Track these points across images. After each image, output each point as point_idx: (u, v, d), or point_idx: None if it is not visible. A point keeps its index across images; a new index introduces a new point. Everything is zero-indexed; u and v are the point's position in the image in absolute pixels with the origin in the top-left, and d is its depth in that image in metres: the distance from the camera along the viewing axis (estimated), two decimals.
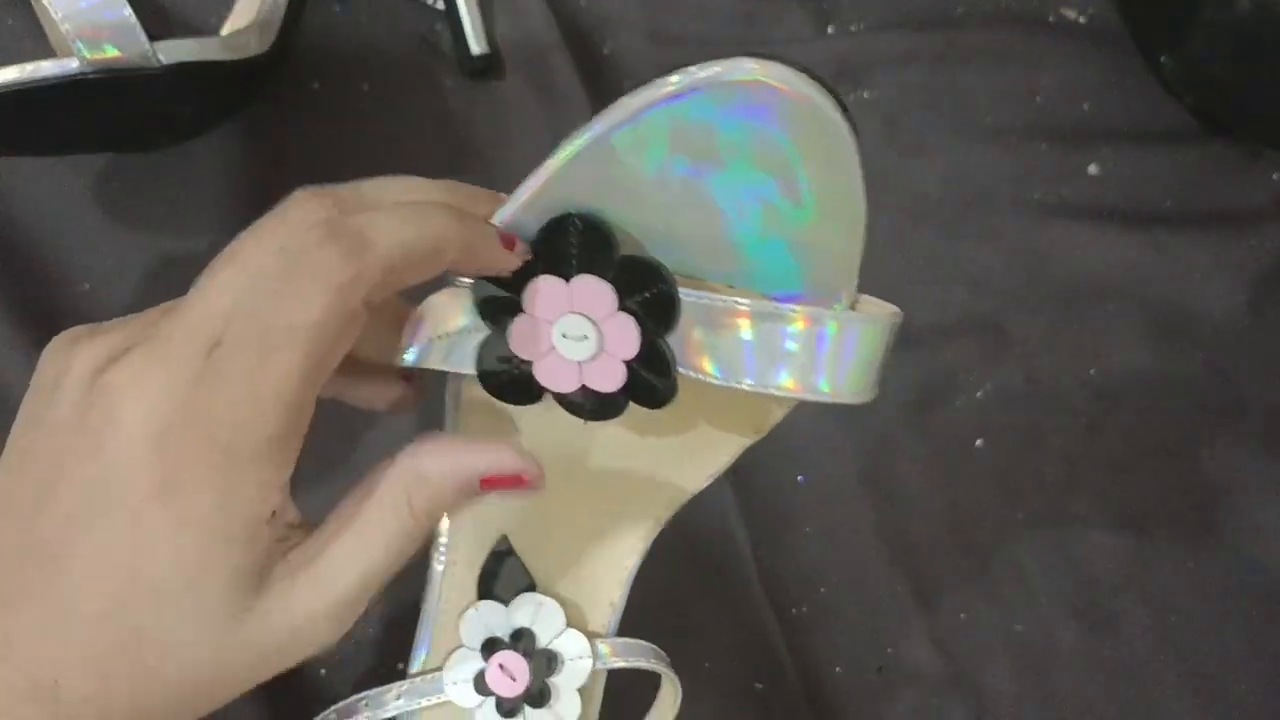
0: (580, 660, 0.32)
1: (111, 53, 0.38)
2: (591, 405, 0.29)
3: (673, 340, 0.28)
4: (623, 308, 0.28)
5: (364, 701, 0.33)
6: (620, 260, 0.28)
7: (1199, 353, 0.47)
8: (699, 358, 0.28)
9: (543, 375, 0.29)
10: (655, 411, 0.30)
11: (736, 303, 0.28)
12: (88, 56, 0.37)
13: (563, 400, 0.29)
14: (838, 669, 0.43)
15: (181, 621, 0.24)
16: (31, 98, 0.38)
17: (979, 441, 0.45)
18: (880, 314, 0.29)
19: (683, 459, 0.33)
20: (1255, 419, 0.46)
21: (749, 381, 0.28)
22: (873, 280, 0.46)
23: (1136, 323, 0.47)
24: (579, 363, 0.28)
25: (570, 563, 0.34)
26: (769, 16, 0.49)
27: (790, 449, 0.45)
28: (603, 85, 0.47)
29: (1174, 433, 0.46)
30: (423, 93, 0.47)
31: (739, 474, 0.44)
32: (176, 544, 0.23)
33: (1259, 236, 0.49)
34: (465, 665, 0.33)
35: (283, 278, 0.23)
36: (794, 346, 0.28)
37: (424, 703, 0.33)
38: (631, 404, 0.29)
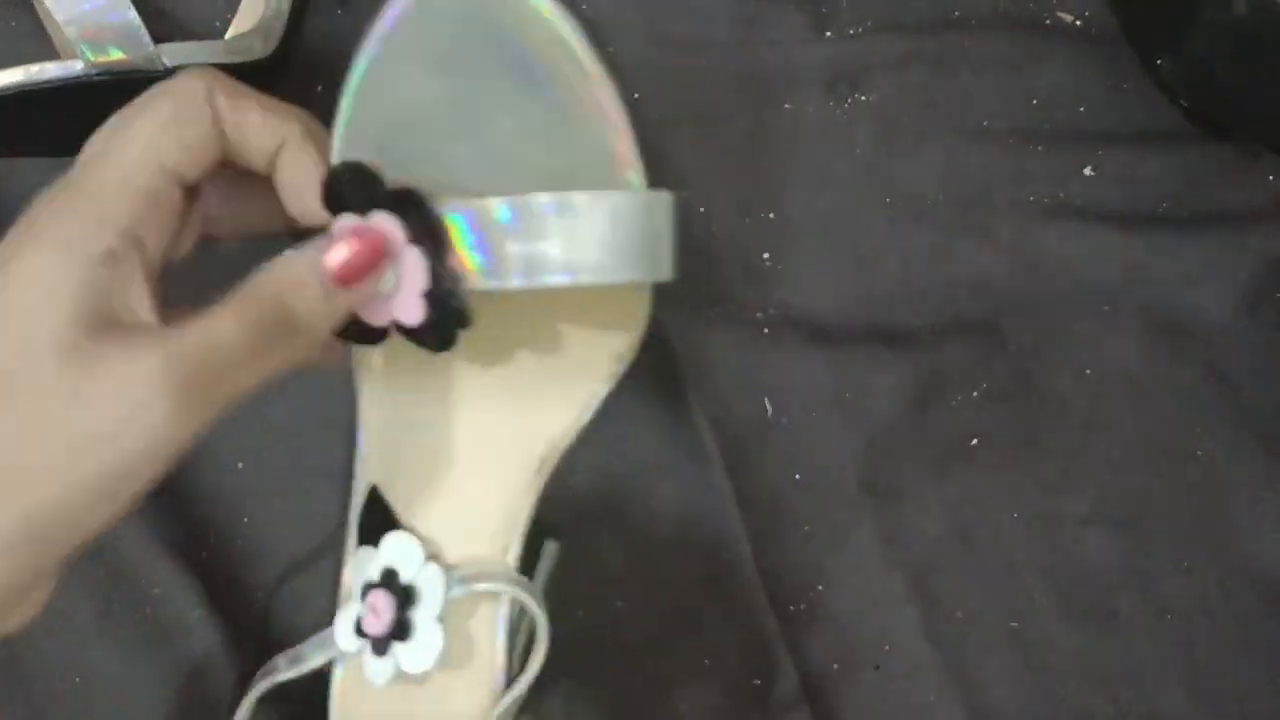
0: (435, 590, 0.33)
1: (116, 55, 0.38)
2: (428, 336, 0.31)
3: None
4: (412, 239, 0.29)
5: (282, 659, 0.35)
6: (387, 193, 0.30)
7: (1196, 353, 0.47)
8: (494, 265, 0.30)
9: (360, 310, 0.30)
10: (515, 349, 0.33)
11: (500, 203, 0.29)
12: (92, 59, 0.38)
13: (408, 334, 0.31)
14: (835, 666, 0.43)
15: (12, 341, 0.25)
16: (35, 100, 0.38)
17: (975, 440, 0.46)
18: (643, 191, 0.31)
19: (550, 393, 0.34)
20: (1252, 419, 0.46)
21: (556, 279, 0.29)
22: (873, 280, 0.47)
23: (1133, 323, 0.47)
24: (386, 296, 0.30)
25: (456, 512, 0.34)
26: (767, 19, 0.49)
27: (789, 448, 0.45)
28: None
29: (1171, 433, 0.46)
30: None
31: (738, 471, 0.44)
32: (22, 262, 0.26)
33: (1257, 238, 0.49)
34: (351, 612, 0.34)
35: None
36: (559, 233, 0.29)
37: (324, 656, 0.34)
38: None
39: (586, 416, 0.34)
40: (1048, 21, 0.50)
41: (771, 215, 0.47)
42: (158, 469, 0.26)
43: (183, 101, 0.29)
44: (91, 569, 0.41)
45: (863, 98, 0.48)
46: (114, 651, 0.40)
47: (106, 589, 0.41)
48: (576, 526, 0.41)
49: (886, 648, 0.43)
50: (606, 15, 0.48)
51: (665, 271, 0.31)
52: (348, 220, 0.30)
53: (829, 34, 0.49)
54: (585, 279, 0.29)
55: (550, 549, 0.39)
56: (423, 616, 0.33)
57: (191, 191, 0.30)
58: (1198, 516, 0.45)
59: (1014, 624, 0.44)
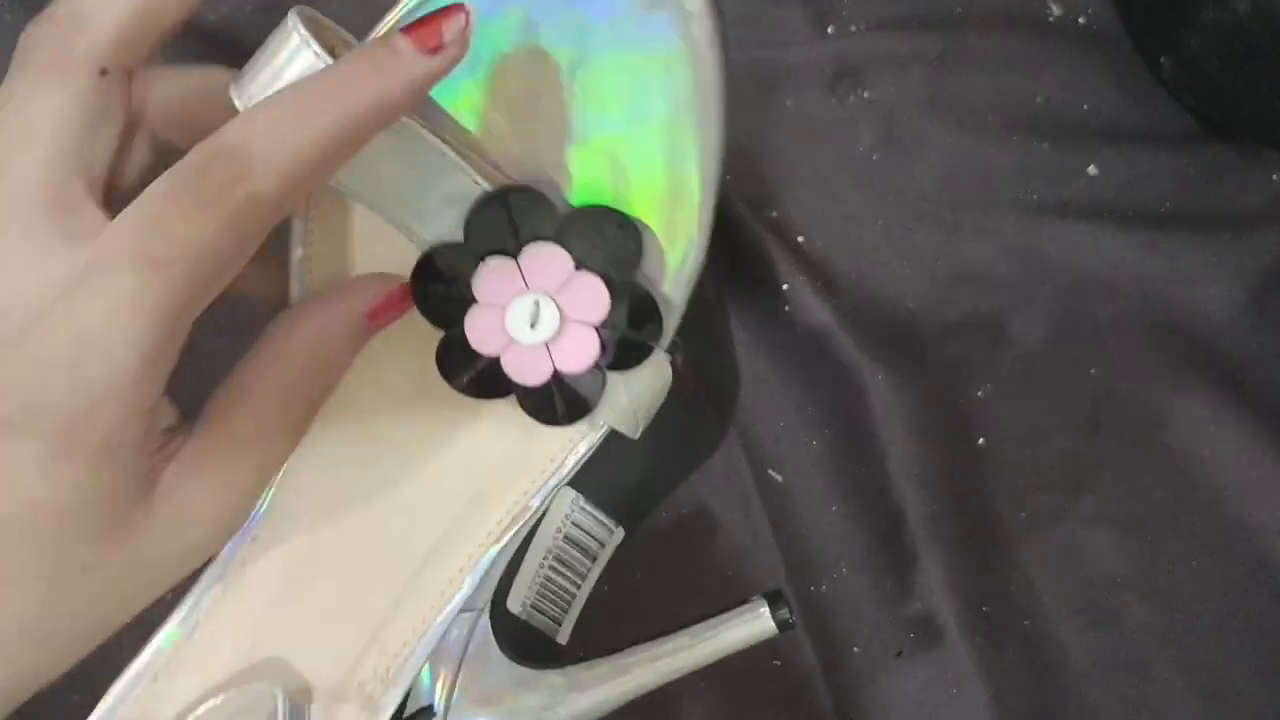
0: None
1: None
2: (563, 402, 0.27)
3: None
4: (580, 266, 0.26)
5: None
6: (565, 217, 0.26)
7: (1199, 353, 0.47)
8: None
9: (513, 370, 0.26)
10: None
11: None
12: None
13: (531, 403, 0.27)
14: (856, 649, 0.43)
15: (59, 553, 0.22)
16: None
17: (980, 440, 0.45)
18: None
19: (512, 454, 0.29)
20: (1256, 419, 0.46)
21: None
22: (874, 280, 0.46)
23: (1137, 322, 0.47)
24: (545, 344, 0.26)
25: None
26: (769, 17, 0.49)
27: (802, 446, 0.45)
28: None
29: (1175, 432, 0.46)
30: None
31: (754, 451, 0.44)
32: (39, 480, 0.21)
33: (1259, 237, 0.48)
34: None
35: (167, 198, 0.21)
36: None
37: None
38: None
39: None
40: (1051, 19, 0.50)
41: (774, 214, 0.47)
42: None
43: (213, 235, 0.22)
44: None
45: (865, 95, 0.48)
46: (115, 663, 0.39)
47: None
48: None
49: (911, 635, 0.43)
50: None
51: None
52: (497, 263, 0.26)
53: (830, 31, 0.49)
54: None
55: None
56: None
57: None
58: (1205, 515, 0.45)
59: (1025, 622, 0.44)
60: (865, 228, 0.47)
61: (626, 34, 0.27)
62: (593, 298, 0.26)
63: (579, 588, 0.38)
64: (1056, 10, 0.50)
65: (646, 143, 0.27)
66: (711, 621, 0.35)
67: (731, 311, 0.45)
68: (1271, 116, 0.48)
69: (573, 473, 0.29)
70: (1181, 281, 0.48)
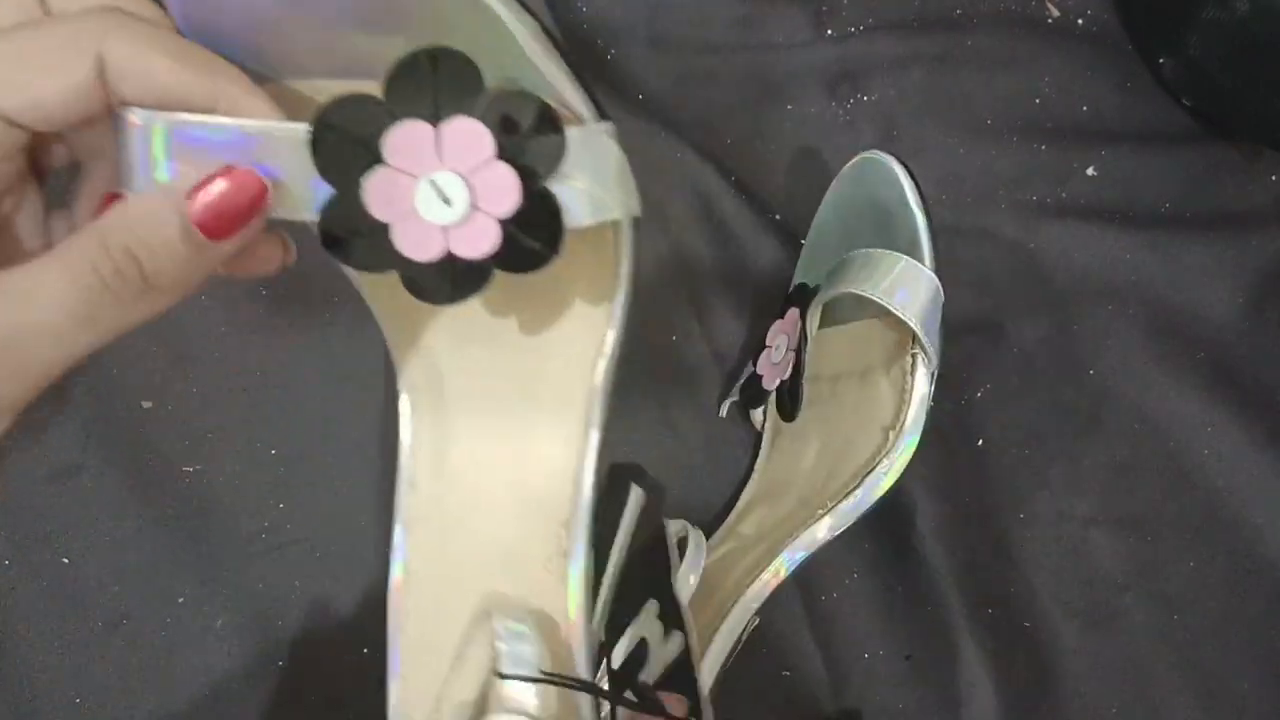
0: None
1: None
2: (453, 280, 0.24)
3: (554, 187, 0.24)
4: (500, 155, 0.23)
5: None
6: (489, 95, 0.23)
7: (1199, 353, 0.47)
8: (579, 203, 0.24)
9: (403, 242, 0.24)
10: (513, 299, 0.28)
11: (606, 127, 0.25)
12: None
13: (413, 280, 0.24)
14: (865, 655, 0.43)
15: None
16: None
17: (980, 441, 0.45)
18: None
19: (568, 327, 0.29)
20: (1255, 419, 0.46)
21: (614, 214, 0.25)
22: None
23: (1136, 323, 0.47)
24: (444, 227, 0.24)
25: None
26: (768, 19, 0.49)
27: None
28: (605, 90, 0.47)
29: (1174, 432, 0.46)
30: None
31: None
32: None
33: (1258, 237, 0.49)
34: None
35: None
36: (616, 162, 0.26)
37: None
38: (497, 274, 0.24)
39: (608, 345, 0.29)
40: (1049, 21, 0.50)
41: (776, 216, 0.47)
42: None
43: (62, 48, 0.22)
44: (109, 581, 0.40)
45: (864, 98, 0.48)
46: (120, 667, 0.39)
47: (124, 602, 0.40)
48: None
49: (919, 640, 0.43)
50: (608, 17, 0.48)
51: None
52: (413, 128, 0.23)
53: (830, 33, 0.49)
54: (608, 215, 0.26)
55: (636, 495, 0.35)
56: None
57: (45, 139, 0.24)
58: (1204, 516, 0.45)
59: (1026, 623, 0.44)
60: None
61: None
62: (504, 191, 0.24)
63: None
64: (1055, 11, 0.50)
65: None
66: None
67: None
68: (1271, 116, 0.48)
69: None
70: (1181, 282, 0.48)
